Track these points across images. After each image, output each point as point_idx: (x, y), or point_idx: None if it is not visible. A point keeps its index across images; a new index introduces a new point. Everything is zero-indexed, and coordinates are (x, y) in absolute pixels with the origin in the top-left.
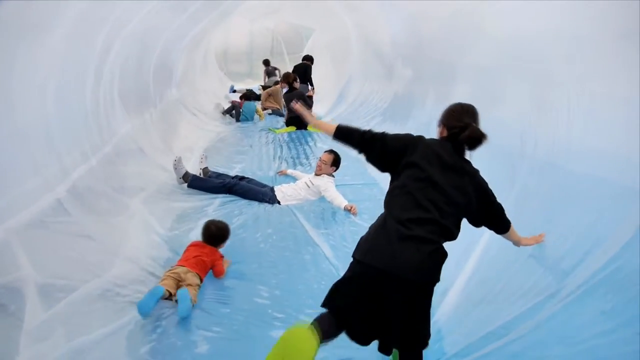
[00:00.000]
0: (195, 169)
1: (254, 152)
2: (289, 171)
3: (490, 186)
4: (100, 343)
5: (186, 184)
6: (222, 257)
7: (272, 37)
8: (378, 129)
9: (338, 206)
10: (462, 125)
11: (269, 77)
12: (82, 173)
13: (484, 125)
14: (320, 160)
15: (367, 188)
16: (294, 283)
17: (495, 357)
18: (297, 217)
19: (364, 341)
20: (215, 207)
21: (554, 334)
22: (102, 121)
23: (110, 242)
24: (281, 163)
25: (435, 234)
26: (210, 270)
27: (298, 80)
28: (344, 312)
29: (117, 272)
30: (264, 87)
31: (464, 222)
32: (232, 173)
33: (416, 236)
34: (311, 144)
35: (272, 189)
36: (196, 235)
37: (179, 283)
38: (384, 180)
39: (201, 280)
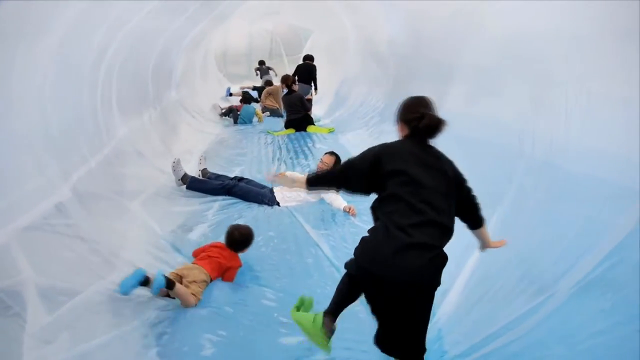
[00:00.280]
0: (194, 171)
1: (253, 154)
2: (287, 173)
3: (488, 185)
4: (106, 347)
5: (185, 186)
6: (240, 265)
7: (271, 39)
8: (376, 129)
9: (337, 207)
10: (419, 116)
11: (261, 77)
12: (82, 175)
13: (484, 125)
14: (321, 161)
15: None
16: (298, 287)
17: (495, 357)
18: (297, 218)
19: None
20: (215, 210)
21: (553, 333)
22: (101, 123)
23: (111, 245)
24: (280, 165)
25: (435, 238)
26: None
27: (297, 82)
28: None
29: (119, 275)
30: (255, 87)
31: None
32: (232, 175)
33: (417, 243)
34: (310, 145)
35: (271, 190)
36: (196, 236)
37: (181, 279)
38: None
39: (210, 280)
